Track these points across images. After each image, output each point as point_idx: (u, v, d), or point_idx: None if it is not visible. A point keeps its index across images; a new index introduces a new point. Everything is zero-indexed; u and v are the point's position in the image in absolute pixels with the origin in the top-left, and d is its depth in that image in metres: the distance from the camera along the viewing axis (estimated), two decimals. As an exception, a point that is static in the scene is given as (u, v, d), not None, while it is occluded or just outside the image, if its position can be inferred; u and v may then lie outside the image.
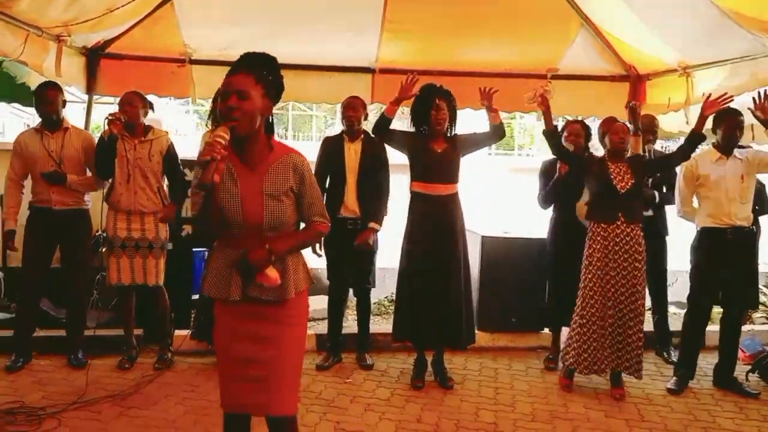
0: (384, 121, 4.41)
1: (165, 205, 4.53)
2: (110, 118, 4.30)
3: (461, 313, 4.34)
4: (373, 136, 4.57)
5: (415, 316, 4.36)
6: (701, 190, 4.49)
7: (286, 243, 2.43)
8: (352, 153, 4.64)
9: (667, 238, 5.20)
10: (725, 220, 4.36)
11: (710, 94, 4.22)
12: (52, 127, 4.43)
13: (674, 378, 4.58)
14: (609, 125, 4.49)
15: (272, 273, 2.37)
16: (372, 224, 4.56)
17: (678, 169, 4.62)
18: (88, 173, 4.54)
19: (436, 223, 4.31)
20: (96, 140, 4.49)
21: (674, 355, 5.08)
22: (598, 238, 4.29)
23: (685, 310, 6.24)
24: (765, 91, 4.21)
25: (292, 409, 2.53)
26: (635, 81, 6.04)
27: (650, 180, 4.94)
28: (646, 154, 4.86)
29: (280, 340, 2.45)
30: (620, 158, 4.35)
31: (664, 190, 5.03)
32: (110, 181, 4.52)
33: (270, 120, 2.42)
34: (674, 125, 5.72)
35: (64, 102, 4.50)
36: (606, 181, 4.29)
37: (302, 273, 2.53)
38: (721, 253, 4.38)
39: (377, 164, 4.64)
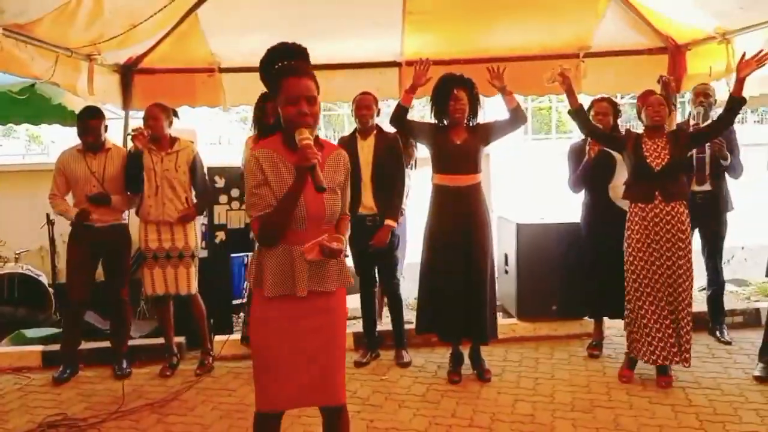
0: (400, 111, 4.32)
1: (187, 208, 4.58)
2: (133, 133, 4.39)
3: (485, 306, 4.24)
4: (390, 129, 4.50)
5: (438, 309, 4.29)
6: None
7: (342, 231, 2.56)
8: (366, 149, 4.59)
9: (729, 214, 4.92)
10: None
11: (744, 54, 3.93)
12: (96, 149, 4.51)
13: (760, 365, 4.25)
14: (645, 99, 4.26)
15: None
16: (388, 221, 4.52)
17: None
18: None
19: (457, 214, 4.22)
20: None
21: (727, 335, 4.86)
22: (636, 219, 4.10)
23: (740, 288, 6.00)
24: None
25: (343, 397, 2.60)
26: (674, 52, 5.79)
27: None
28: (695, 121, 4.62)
29: (333, 330, 2.55)
30: (658, 133, 4.12)
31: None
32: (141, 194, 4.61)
33: None
34: (717, 95, 5.45)
35: (106, 127, 4.57)
36: (640, 160, 4.08)
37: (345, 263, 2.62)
38: None
39: (391, 158, 4.58)
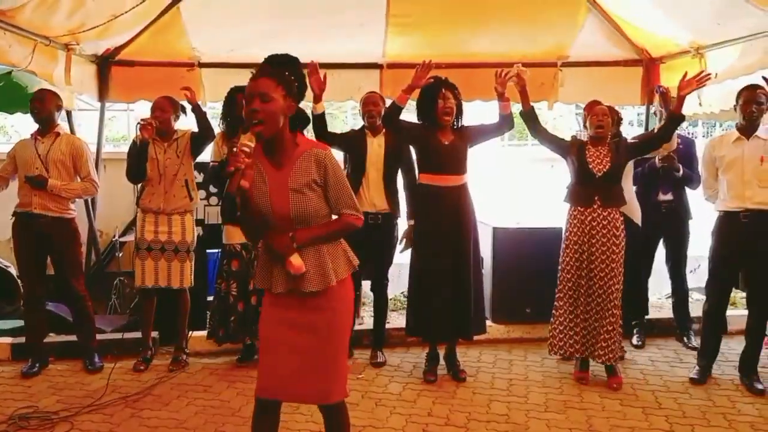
0: (395, 109, 4.31)
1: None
2: (142, 123, 4.35)
3: (470, 305, 4.31)
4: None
5: (428, 311, 4.33)
6: (720, 172, 4.34)
7: (310, 232, 2.51)
8: (375, 147, 4.63)
9: (691, 222, 5.09)
10: (739, 203, 4.20)
11: (686, 73, 4.10)
12: (44, 131, 4.45)
13: (697, 368, 4.43)
14: (591, 108, 4.43)
15: (296, 261, 2.46)
16: (411, 222, 4.61)
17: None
18: (78, 180, 4.53)
19: (444, 214, 4.26)
20: (85, 146, 4.58)
21: (694, 341, 4.98)
22: (575, 222, 4.28)
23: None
24: None
25: (338, 395, 2.59)
26: (648, 64, 5.95)
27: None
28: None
29: (323, 329, 2.54)
30: (601, 142, 4.29)
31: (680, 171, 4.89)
32: (140, 184, 4.59)
33: (298, 117, 2.52)
34: (688, 108, 5.53)
35: (59, 107, 4.52)
36: (582, 165, 4.24)
37: (342, 261, 2.61)
38: (737, 237, 4.22)
39: (402, 157, 4.65)
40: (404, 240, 4.65)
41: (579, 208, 4.28)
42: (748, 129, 4.24)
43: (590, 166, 4.22)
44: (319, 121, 4.47)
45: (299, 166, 2.49)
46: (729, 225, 4.27)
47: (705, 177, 4.49)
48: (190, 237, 4.58)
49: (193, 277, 4.63)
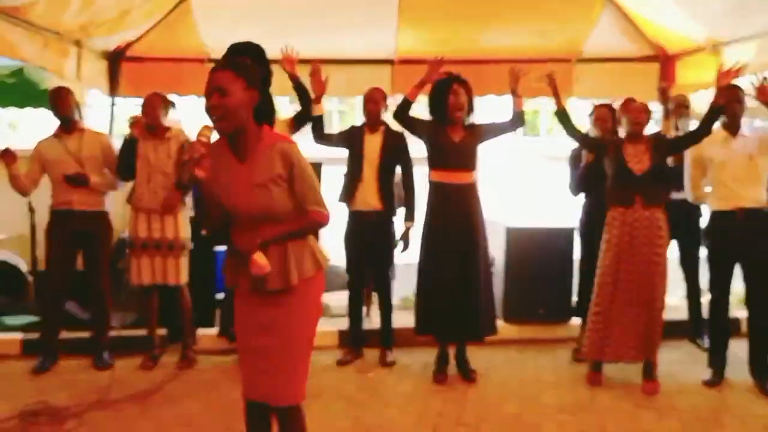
0: (405, 104, 4.30)
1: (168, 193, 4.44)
2: (131, 120, 4.34)
3: (480, 304, 4.25)
4: (393, 124, 4.52)
5: (437, 310, 4.29)
6: (709, 172, 4.28)
7: (274, 230, 2.41)
8: (373, 144, 4.58)
9: (701, 221, 5.01)
10: (732, 203, 4.15)
11: (721, 65, 4.08)
12: (69, 129, 4.46)
13: (709, 370, 4.36)
14: (627, 106, 4.37)
15: (261, 260, 2.37)
16: (407, 223, 4.59)
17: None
18: (107, 173, 4.56)
19: (453, 212, 4.22)
20: (112, 141, 4.57)
21: (707, 342, 4.91)
22: (616, 223, 4.16)
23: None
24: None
25: (293, 399, 2.51)
26: (664, 61, 5.90)
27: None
28: (677, 131, 4.72)
29: (284, 328, 2.47)
30: (638, 139, 4.18)
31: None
32: (132, 182, 4.56)
33: (264, 107, 2.42)
34: (705, 104, 5.51)
35: (77, 104, 4.52)
36: (621, 164, 4.15)
37: (308, 259, 2.50)
38: (732, 236, 4.16)
39: (400, 156, 4.61)
40: (401, 242, 4.63)
41: (620, 208, 4.16)
42: (732, 127, 4.21)
43: (629, 166, 4.11)
44: (317, 123, 4.47)
45: (264, 160, 2.39)
46: (723, 224, 4.22)
47: (692, 176, 4.41)
48: (184, 234, 4.54)
49: (188, 273, 4.58)
